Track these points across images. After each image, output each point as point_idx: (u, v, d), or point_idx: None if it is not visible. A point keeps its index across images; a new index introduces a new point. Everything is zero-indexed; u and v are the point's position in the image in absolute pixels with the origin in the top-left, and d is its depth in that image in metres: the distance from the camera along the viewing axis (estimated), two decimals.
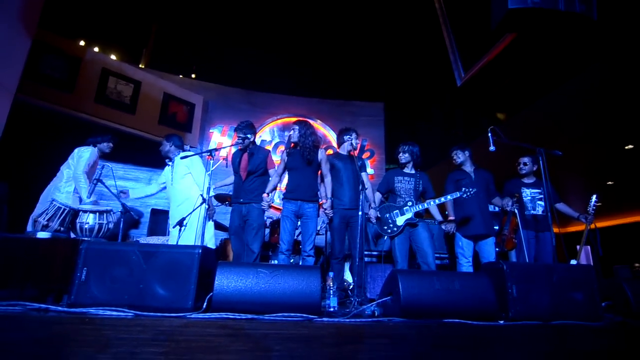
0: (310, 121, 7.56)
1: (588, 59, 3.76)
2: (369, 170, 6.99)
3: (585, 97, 4.24)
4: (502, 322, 2.13)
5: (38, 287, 2.32)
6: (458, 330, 1.91)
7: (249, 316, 1.80)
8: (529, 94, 4.57)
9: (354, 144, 3.68)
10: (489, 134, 3.35)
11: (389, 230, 3.53)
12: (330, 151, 3.58)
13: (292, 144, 3.51)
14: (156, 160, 6.43)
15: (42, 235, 2.66)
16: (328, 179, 3.51)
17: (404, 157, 3.74)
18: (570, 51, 3.98)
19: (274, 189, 3.51)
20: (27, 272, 2.30)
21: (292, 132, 3.50)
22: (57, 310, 1.76)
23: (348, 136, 3.68)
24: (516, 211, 3.78)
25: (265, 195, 3.37)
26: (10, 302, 1.80)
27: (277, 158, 6.93)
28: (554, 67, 4.22)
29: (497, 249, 3.85)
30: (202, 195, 3.28)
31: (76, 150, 3.79)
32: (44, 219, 2.87)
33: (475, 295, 2.16)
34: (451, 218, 3.67)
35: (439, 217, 3.72)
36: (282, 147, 7.56)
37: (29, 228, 3.42)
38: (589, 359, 2.00)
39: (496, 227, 4.52)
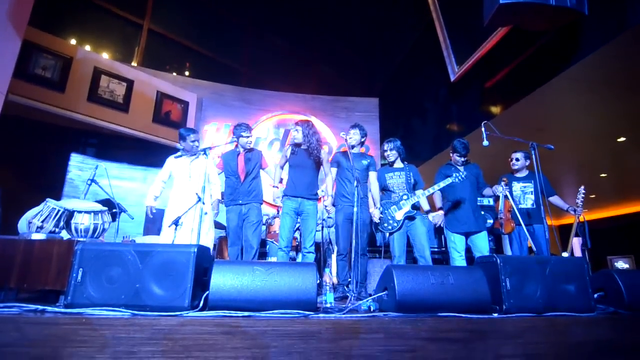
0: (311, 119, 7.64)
1: (581, 50, 3.77)
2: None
3: (579, 90, 4.27)
4: (496, 314, 2.15)
5: (34, 289, 2.32)
6: (453, 323, 1.94)
7: (246, 314, 1.81)
8: (522, 88, 4.59)
9: (346, 138, 3.51)
10: (483, 129, 3.37)
11: (390, 227, 3.52)
12: (325, 147, 3.60)
13: (297, 144, 3.54)
14: (150, 159, 6.43)
15: (37, 236, 2.64)
16: (329, 177, 3.56)
17: (392, 154, 3.73)
18: (563, 43, 3.99)
19: (281, 181, 3.64)
20: (23, 273, 2.29)
21: (295, 132, 3.54)
22: (54, 312, 1.76)
23: (354, 132, 3.71)
24: (508, 194, 3.79)
25: (275, 189, 3.54)
26: (6, 304, 1.79)
27: (271, 156, 6.99)
28: (547, 60, 4.24)
29: (491, 238, 3.86)
30: (197, 193, 3.28)
31: None
32: (38, 220, 2.85)
33: (469, 289, 2.18)
34: (439, 207, 3.67)
35: (427, 207, 3.70)
36: (277, 144, 7.55)
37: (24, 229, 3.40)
38: (582, 350, 2.04)
39: (491, 221, 4.56)
